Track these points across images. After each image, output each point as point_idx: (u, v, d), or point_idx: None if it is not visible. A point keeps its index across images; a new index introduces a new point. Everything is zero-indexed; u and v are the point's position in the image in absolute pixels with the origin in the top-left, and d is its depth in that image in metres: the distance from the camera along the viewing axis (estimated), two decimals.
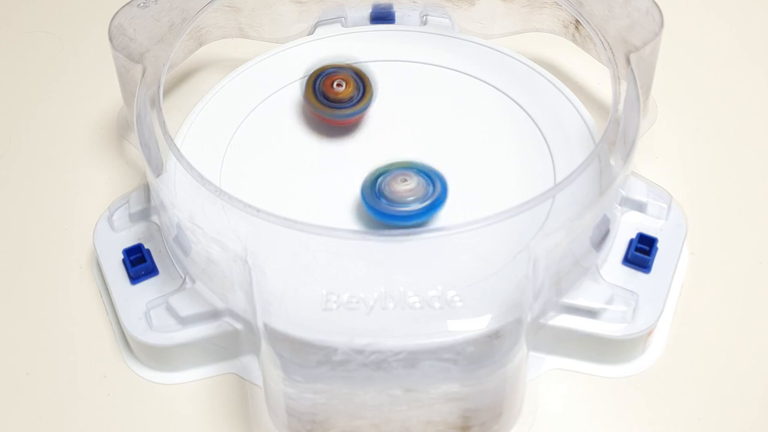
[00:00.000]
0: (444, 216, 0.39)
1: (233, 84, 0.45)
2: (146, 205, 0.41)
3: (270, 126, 0.43)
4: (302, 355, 0.34)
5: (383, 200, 0.38)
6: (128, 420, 0.38)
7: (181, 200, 0.38)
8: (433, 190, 0.38)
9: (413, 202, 0.38)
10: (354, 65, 0.43)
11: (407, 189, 0.38)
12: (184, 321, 0.37)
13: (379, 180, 0.39)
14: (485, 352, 0.34)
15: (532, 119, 0.43)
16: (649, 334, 0.38)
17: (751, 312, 0.40)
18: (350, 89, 0.42)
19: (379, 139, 0.43)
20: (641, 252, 0.39)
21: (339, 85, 0.42)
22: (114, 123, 0.47)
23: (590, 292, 0.37)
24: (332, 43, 0.47)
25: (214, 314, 0.37)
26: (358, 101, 0.42)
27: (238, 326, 0.37)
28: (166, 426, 0.37)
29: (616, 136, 0.39)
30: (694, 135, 0.47)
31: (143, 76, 0.41)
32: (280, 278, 0.35)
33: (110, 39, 0.42)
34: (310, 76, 0.42)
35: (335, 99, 0.42)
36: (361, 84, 0.42)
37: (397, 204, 0.38)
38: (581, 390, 0.38)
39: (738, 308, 0.40)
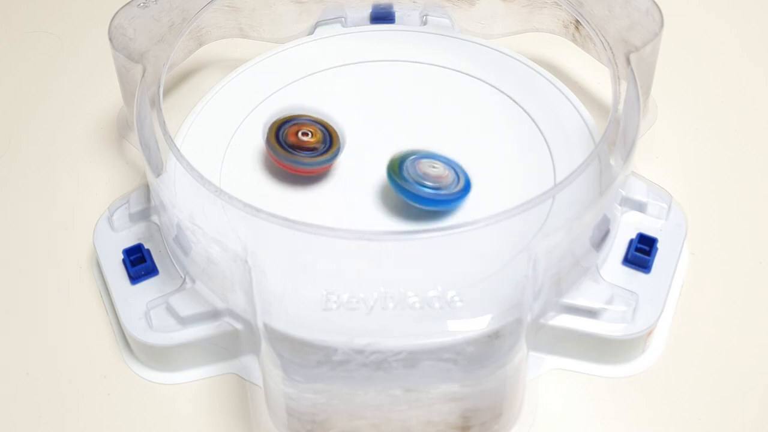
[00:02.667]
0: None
1: (233, 84, 0.45)
2: (146, 205, 0.41)
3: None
4: (302, 355, 0.34)
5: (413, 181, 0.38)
6: (128, 420, 0.38)
7: (181, 200, 0.38)
8: (458, 181, 0.39)
9: (444, 187, 0.39)
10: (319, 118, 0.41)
11: (437, 174, 0.39)
12: (184, 321, 0.37)
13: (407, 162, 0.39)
14: (485, 352, 0.34)
15: (532, 119, 0.43)
16: (649, 334, 0.38)
17: (751, 312, 0.40)
18: (317, 138, 0.40)
19: (379, 139, 0.43)
20: (641, 252, 0.39)
21: (305, 134, 0.40)
22: (114, 123, 0.47)
23: (590, 292, 0.37)
24: (332, 43, 0.47)
25: (214, 314, 0.37)
26: (325, 152, 0.40)
27: (238, 326, 0.37)
28: (166, 426, 0.37)
29: (616, 136, 0.39)
30: (694, 135, 0.47)
31: (143, 76, 0.41)
32: (280, 278, 0.35)
33: (110, 39, 0.42)
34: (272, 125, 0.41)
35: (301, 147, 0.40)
36: (328, 135, 0.41)
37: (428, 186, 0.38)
38: (581, 390, 0.38)
39: (738, 308, 0.40)
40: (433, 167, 0.39)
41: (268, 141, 0.40)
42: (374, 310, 0.35)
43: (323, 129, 0.41)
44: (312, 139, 0.40)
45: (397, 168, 0.39)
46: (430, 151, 0.40)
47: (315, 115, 0.41)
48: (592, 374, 0.38)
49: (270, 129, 0.41)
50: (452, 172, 0.39)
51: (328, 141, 0.41)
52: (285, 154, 0.40)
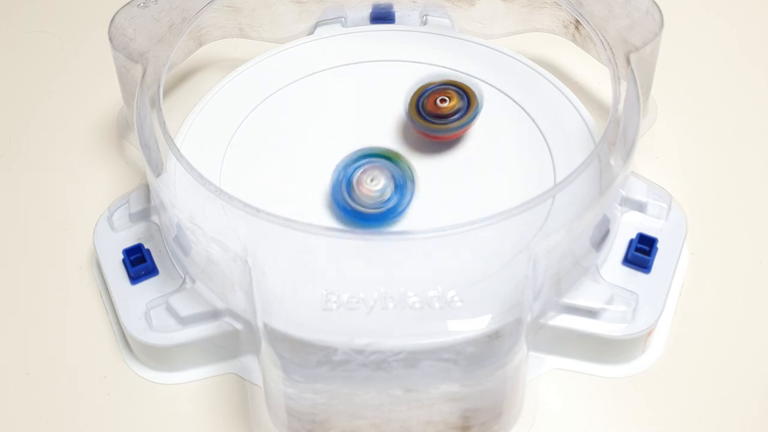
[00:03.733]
0: (444, 216, 0.39)
1: (233, 84, 0.45)
2: (146, 205, 0.41)
3: (270, 126, 0.43)
4: (302, 355, 0.34)
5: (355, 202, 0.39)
6: (128, 420, 0.38)
7: (181, 200, 0.38)
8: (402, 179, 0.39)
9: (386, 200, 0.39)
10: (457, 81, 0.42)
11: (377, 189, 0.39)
12: (184, 321, 0.37)
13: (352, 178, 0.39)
14: (485, 352, 0.34)
15: (532, 119, 0.43)
16: (649, 334, 0.38)
17: (751, 312, 0.40)
18: (454, 103, 0.41)
19: (379, 139, 0.43)
20: (641, 252, 0.39)
21: (443, 100, 0.41)
22: (114, 123, 0.47)
23: (590, 292, 0.37)
24: (332, 43, 0.47)
25: (214, 314, 0.37)
26: (463, 115, 0.41)
27: (238, 326, 0.37)
28: (166, 426, 0.37)
29: (616, 136, 0.39)
30: (694, 135, 0.47)
31: (143, 76, 0.41)
32: (280, 278, 0.35)
33: (110, 39, 0.42)
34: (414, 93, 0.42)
35: (439, 114, 0.41)
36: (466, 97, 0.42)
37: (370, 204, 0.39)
38: (581, 390, 0.38)
39: (738, 308, 0.40)
40: (372, 179, 0.39)
41: (409, 115, 0.41)
42: (374, 310, 0.35)
43: (460, 91, 0.41)
44: (450, 104, 0.41)
45: (345, 194, 0.39)
46: (359, 152, 0.40)
47: (453, 79, 0.42)
48: (592, 374, 0.38)
49: (410, 102, 0.42)
50: (386, 176, 0.39)
51: (466, 102, 0.41)
52: (425, 124, 0.41)
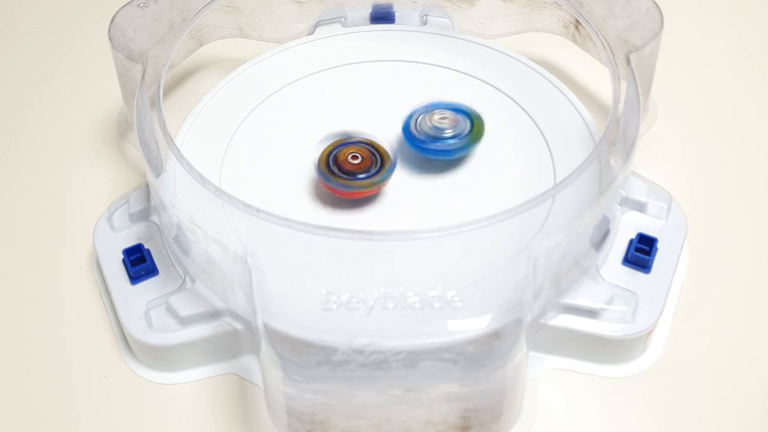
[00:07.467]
0: (444, 216, 0.39)
1: (233, 84, 0.45)
2: (146, 205, 0.41)
3: (270, 126, 0.43)
4: (302, 355, 0.34)
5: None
6: (128, 420, 0.38)
7: (181, 200, 0.38)
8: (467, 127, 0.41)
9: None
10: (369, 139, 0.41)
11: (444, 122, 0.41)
12: (184, 321, 0.37)
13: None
14: (485, 352, 0.34)
15: (532, 119, 0.43)
16: (649, 334, 0.38)
17: (751, 312, 0.40)
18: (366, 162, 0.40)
19: (380, 139, 0.43)
20: (641, 252, 0.39)
21: (354, 157, 0.40)
22: (114, 123, 0.47)
23: (590, 292, 0.37)
24: (332, 43, 0.47)
25: (214, 314, 0.37)
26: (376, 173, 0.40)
27: (238, 326, 0.37)
28: (166, 426, 0.37)
29: (616, 136, 0.39)
30: (694, 135, 0.47)
31: (143, 76, 0.41)
32: (280, 278, 0.35)
33: (110, 39, 0.42)
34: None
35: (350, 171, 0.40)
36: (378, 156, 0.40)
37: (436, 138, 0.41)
38: (581, 390, 0.38)
39: (738, 308, 0.40)
40: (443, 117, 0.41)
41: (320, 170, 0.40)
42: (374, 310, 0.35)
43: (370, 148, 0.40)
44: (362, 162, 0.40)
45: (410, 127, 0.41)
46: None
47: (361, 137, 0.41)
48: (592, 374, 0.38)
49: (320, 159, 0.40)
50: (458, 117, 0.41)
51: (379, 159, 0.40)
52: (340, 181, 0.39)
